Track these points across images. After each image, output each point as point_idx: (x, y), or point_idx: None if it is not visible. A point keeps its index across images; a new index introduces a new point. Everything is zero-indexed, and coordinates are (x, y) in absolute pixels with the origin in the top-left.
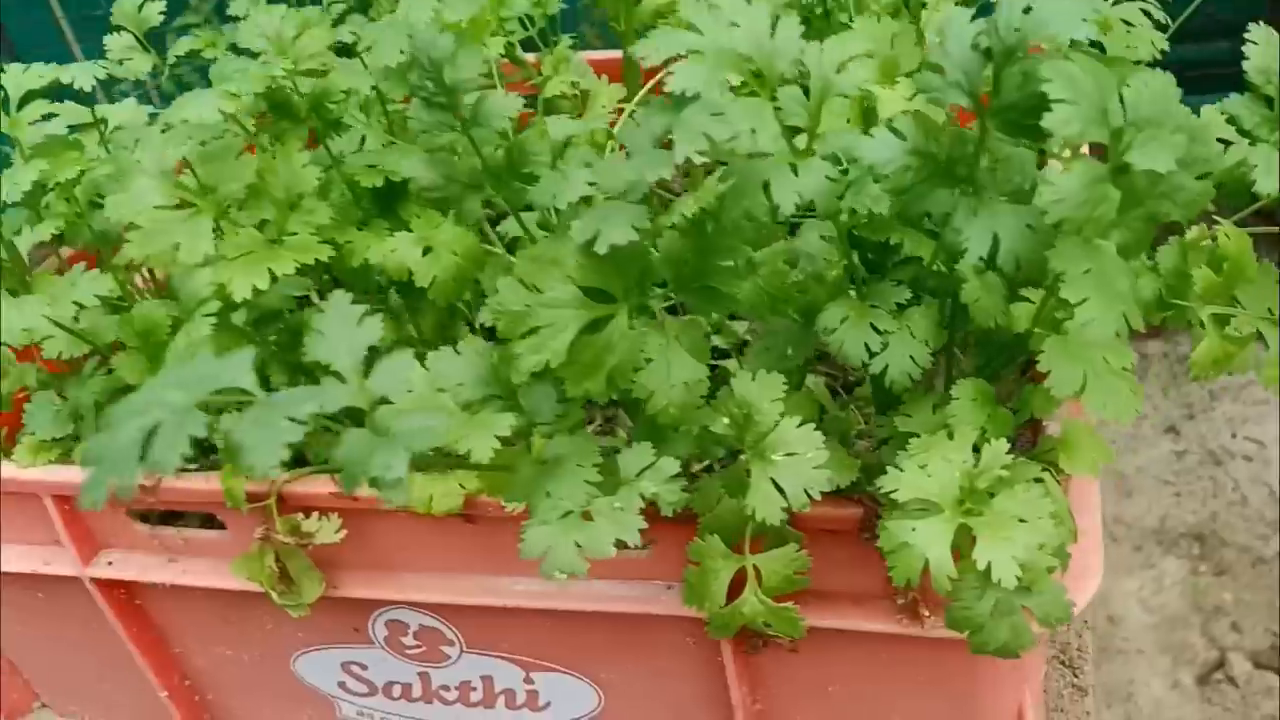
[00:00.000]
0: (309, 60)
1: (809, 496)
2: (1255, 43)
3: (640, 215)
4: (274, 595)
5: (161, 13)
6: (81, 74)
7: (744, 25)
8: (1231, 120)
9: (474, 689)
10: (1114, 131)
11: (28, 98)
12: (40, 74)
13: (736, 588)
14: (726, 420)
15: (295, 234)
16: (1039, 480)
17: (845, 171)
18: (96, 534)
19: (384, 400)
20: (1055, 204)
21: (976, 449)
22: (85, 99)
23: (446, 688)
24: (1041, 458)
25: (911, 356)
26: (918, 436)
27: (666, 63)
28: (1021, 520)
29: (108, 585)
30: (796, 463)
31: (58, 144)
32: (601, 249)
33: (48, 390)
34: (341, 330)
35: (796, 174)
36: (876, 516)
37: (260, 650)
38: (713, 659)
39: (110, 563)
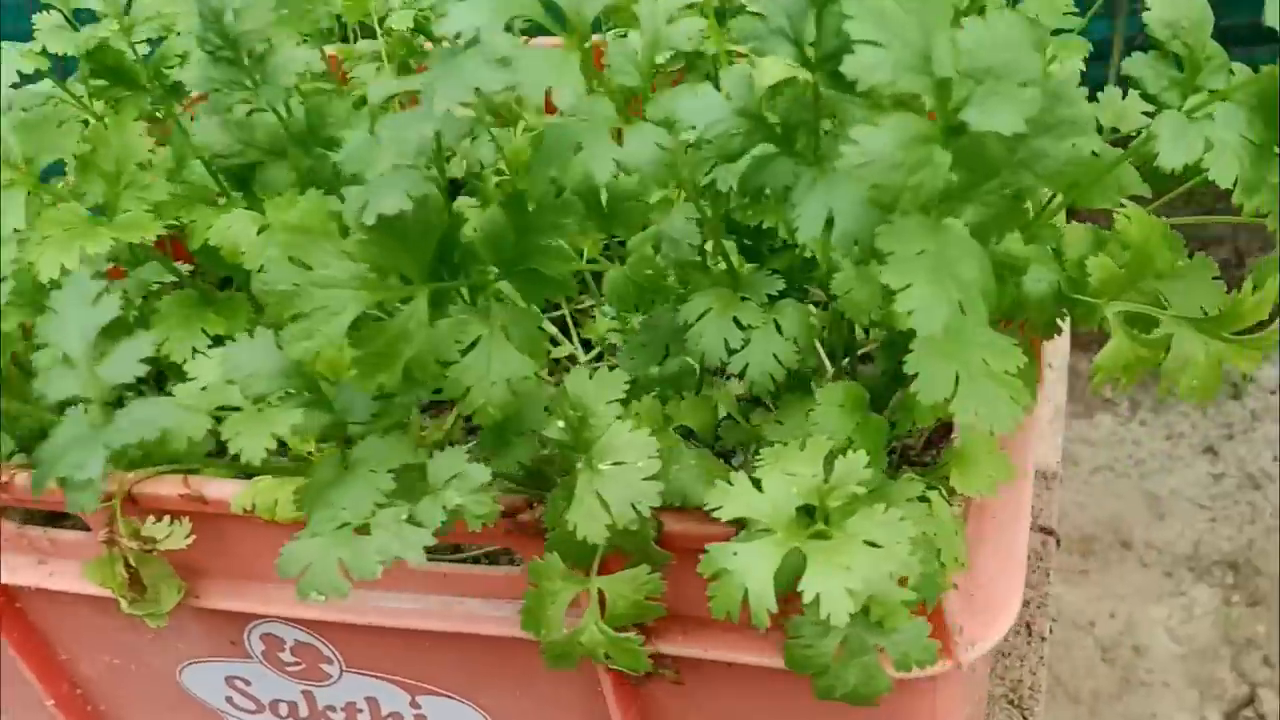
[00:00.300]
0: (147, 23)
1: (637, 512)
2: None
3: (419, 182)
4: (123, 602)
5: None
6: None
7: None
8: (1134, 83)
9: (360, 710)
10: (939, 82)
11: None
12: None
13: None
14: (561, 424)
15: (128, 211)
16: (923, 499)
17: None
18: None
19: (122, 389)
20: (861, 167)
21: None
22: None
23: (332, 708)
24: (938, 474)
25: (775, 355)
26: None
27: None
28: (874, 545)
29: None
30: (624, 473)
31: None
32: (368, 220)
33: None
34: (76, 310)
35: (620, 140)
36: None
37: (146, 660)
38: (595, 688)
39: None
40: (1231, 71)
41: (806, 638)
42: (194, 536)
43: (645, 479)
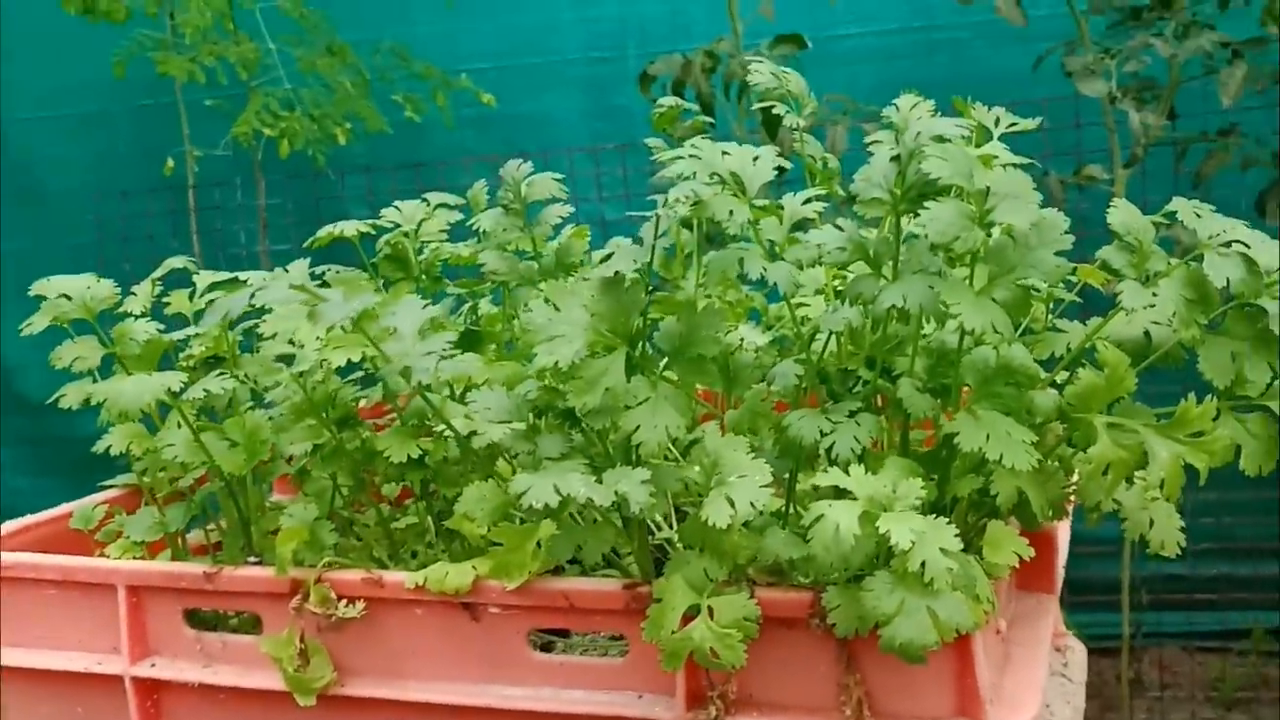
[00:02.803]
0: (430, 236)
1: (755, 509)
2: (1115, 208)
3: (642, 255)
4: (289, 670)
5: None
6: None
7: (734, 155)
8: (1104, 266)
9: None
10: (978, 192)
11: None
12: None
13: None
14: (698, 468)
15: None
16: (961, 551)
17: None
18: (150, 637)
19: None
20: (931, 221)
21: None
22: None
23: None
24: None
25: (855, 437)
26: None
27: None
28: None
29: (144, 687)
30: (746, 482)
31: None
32: (610, 271)
33: (150, 507)
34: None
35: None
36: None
37: None
38: None
39: (153, 664)
40: (1168, 261)
41: (877, 592)
42: (365, 612)
43: (762, 486)
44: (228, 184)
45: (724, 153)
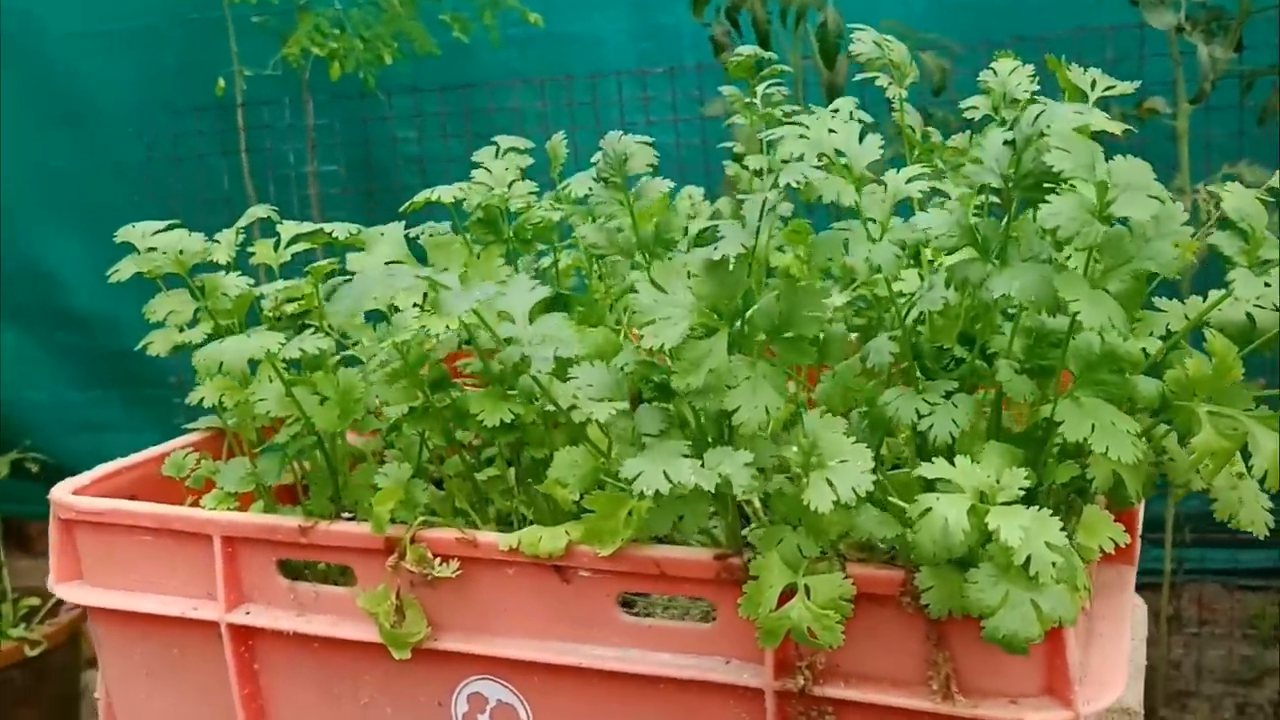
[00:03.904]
0: (518, 199)
1: (856, 495)
2: (1230, 192)
3: (749, 237)
4: (385, 624)
5: None
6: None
7: (840, 131)
8: (1215, 250)
9: None
10: (1099, 183)
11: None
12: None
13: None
14: (795, 448)
15: None
16: (1063, 542)
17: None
18: (244, 585)
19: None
20: (1052, 215)
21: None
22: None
23: None
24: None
25: (953, 419)
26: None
27: None
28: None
29: (239, 634)
30: (848, 467)
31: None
32: (717, 255)
33: (242, 458)
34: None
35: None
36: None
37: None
38: None
39: (248, 613)
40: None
41: (981, 585)
42: (460, 572)
43: (863, 472)
44: (276, 103)
45: (830, 130)
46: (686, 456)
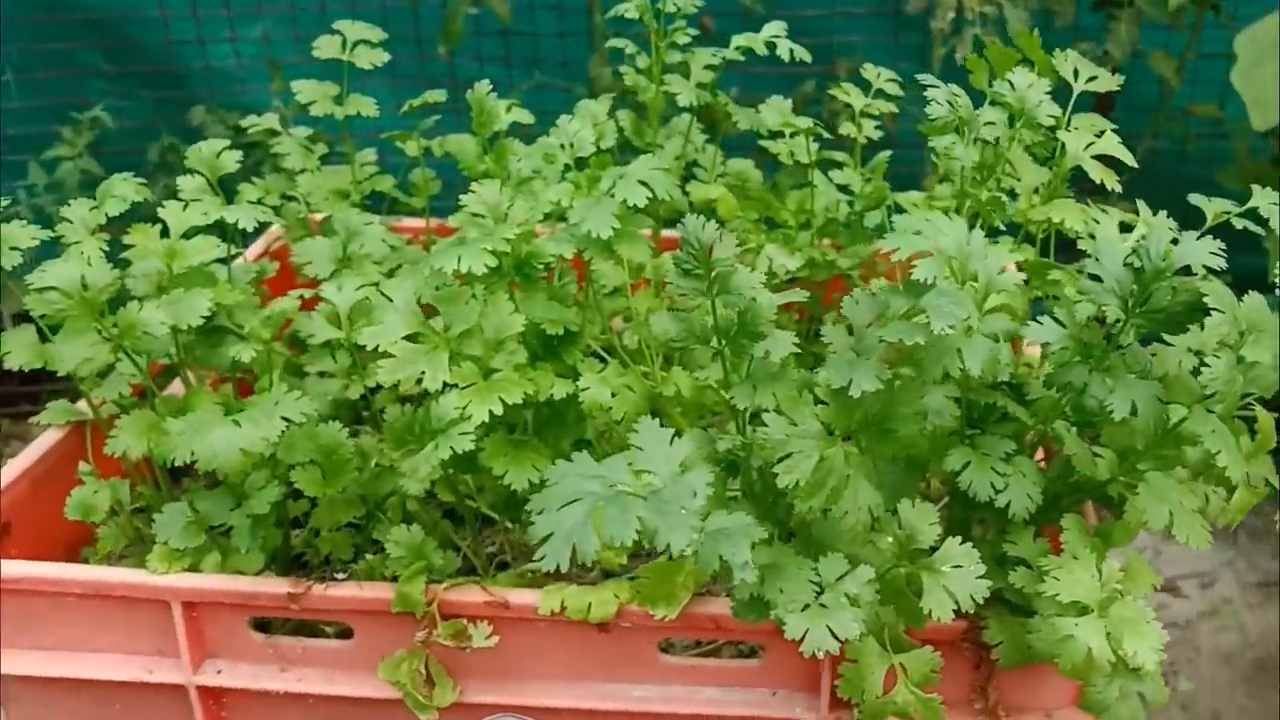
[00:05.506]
0: (517, 226)
1: (974, 601)
2: None
3: (882, 369)
4: (415, 694)
5: (239, 161)
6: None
7: (950, 235)
8: None
9: None
10: (1240, 332)
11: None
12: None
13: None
14: (890, 539)
15: (498, 370)
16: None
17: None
18: (209, 642)
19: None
20: (1213, 380)
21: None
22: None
23: None
24: None
25: (1028, 494)
26: (1024, 561)
27: None
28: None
29: (209, 695)
30: (963, 574)
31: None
32: (855, 393)
33: (180, 503)
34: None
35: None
36: (978, 628)
37: None
38: None
39: (219, 671)
40: None
41: (1099, 686)
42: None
43: (978, 577)
44: None
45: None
46: (817, 588)
